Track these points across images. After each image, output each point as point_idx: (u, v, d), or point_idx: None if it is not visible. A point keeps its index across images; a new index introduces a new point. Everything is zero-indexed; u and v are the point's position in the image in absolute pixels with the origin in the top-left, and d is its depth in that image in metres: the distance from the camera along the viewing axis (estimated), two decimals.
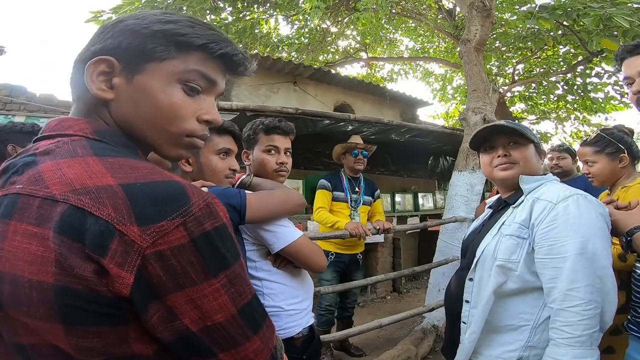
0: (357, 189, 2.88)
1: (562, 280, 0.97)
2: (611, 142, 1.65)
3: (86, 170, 0.44)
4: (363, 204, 2.88)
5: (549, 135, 9.44)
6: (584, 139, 1.82)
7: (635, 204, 1.08)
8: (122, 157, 0.48)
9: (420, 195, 6.25)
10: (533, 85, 7.71)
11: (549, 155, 3.16)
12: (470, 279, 1.17)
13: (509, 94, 8.39)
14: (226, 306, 0.47)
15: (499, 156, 1.19)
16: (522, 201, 1.13)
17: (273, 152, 1.38)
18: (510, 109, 8.91)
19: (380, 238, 4.26)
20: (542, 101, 8.33)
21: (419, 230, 4.89)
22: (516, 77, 7.60)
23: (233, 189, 1.21)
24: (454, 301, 1.24)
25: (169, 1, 5.47)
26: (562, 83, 7.00)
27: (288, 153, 1.42)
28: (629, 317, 1.16)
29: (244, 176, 1.37)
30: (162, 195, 0.44)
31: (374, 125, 3.47)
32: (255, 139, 1.41)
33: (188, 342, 0.46)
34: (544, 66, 7.00)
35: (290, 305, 1.25)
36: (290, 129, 1.42)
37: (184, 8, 5.66)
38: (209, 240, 0.46)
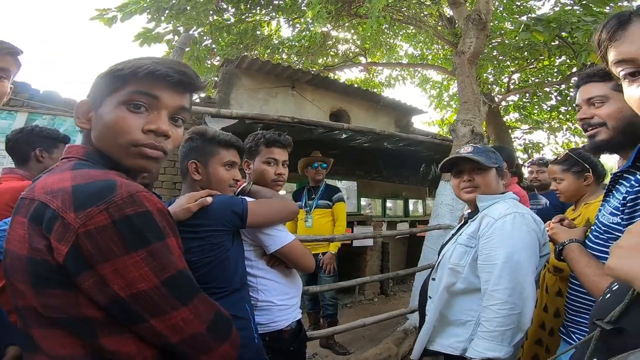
0: (313, 196, 3.42)
1: (489, 282, 1.21)
2: (578, 161, 1.82)
3: (59, 179, 0.64)
4: (316, 207, 3.38)
5: (541, 145, 9.67)
6: (555, 157, 2.04)
7: (568, 224, 1.28)
8: (89, 169, 0.67)
9: (410, 201, 6.54)
10: (527, 94, 8.01)
11: (529, 169, 3.41)
12: (433, 279, 1.43)
13: (503, 103, 8.68)
14: (148, 277, 0.61)
15: (464, 180, 1.45)
16: (476, 216, 1.38)
17: (272, 163, 1.55)
18: (505, 118, 9.21)
19: (369, 242, 4.55)
20: (536, 111, 8.62)
21: (408, 235, 5.17)
22: (511, 87, 7.87)
23: (236, 197, 1.36)
24: (422, 296, 1.50)
25: (173, 1, 5.63)
26: (555, 94, 7.30)
27: (285, 165, 1.61)
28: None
29: (244, 184, 1.52)
30: (95, 189, 0.61)
31: (365, 134, 3.74)
32: (256, 151, 1.57)
33: (120, 306, 0.60)
34: (539, 76, 7.23)
35: (282, 300, 1.41)
36: (288, 143, 1.61)
37: (188, 8, 5.84)
38: (129, 222, 0.60)
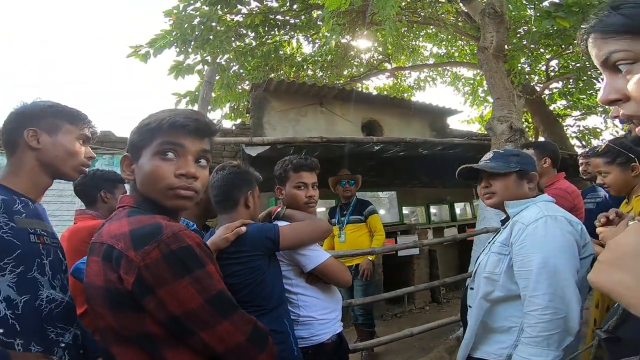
0: (345, 212, 3.66)
1: (528, 289, 1.23)
2: (621, 152, 1.76)
3: (118, 226, 0.82)
4: (348, 222, 3.61)
5: (598, 130, 9.26)
6: (596, 149, 1.98)
7: (618, 221, 1.24)
8: (140, 215, 0.84)
9: (457, 205, 6.43)
10: (571, 80, 7.71)
11: (580, 161, 3.30)
12: (471, 288, 1.47)
13: (546, 92, 8.41)
14: (195, 297, 0.76)
15: (483, 187, 1.50)
16: (507, 223, 1.41)
17: (302, 187, 1.67)
18: (551, 107, 8.90)
19: (415, 250, 4.58)
20: (585, 96, 8.29)
21: (452, 241, 5.13)
22: (551, 74, 7.65)
23: (269, 224, 1.52)
24: (463, 305, 1.55)
25: (196, 33, 6.10)
26: (601, 77, 6.98)
27: (315, 187, 1.72)
28: None
29: (278, 209, 1.68)
30: (146, 232, 0.78)
31: (397, 144, 3.83)
32: (286, 177, 1.69)
33: (176, 322, 0.76)
34: (580, 60, 6.97)
35: (322, 315, 1.54)
36: (315, 166, 1.71)
37: (211, 37, 6.28)
38: (175, 255, 0.76)
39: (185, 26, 5.98)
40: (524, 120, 7.64)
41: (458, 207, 6.43)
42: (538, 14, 5.38)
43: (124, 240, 0.77)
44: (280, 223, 1.54)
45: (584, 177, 3.17)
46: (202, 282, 0.78)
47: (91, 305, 0.84)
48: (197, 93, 6.49)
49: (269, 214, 1.69)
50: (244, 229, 1.37)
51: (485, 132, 4.56)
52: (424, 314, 4.77)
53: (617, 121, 8.74)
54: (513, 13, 6.56)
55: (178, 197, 0.88)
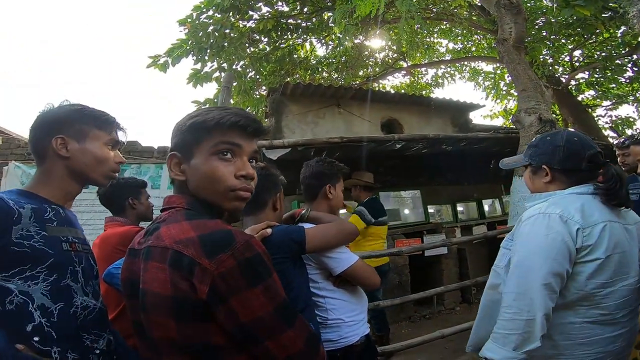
0: None
1: (504, 285, 1.25)
2: None
3: (181, 229, 0.79)
4: None
5: (631, 120, 9.01)
6: (635, 137, 1.90)
7: None
8: (200, 219, 0.82)
9: (485, 202, 6.29)
10: (598, 70, 7.53)
11: (617, 152, 3.19)
12: None
13: (572, 82, 8.23)
14: (265, 306, 0.75)
15: None
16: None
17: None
18: (580, 98, 8.70)
19: (443, 250, 4.52)
20: (614, 85, 8.08)
21: (482, 239, 5.04)
22: (576, 64, 7.50)
23: (294, 226, 1.51)
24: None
25: (211, 41, 6.24)
26: (630, 65, 6.82)
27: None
28: None
29: (302, 211, 1.66)
30: (218, 239, 0.76)
31: (419, 141, 3.80)
32: (335, 177, 1.78)
33: (244, 331, 0.75)
34: (605, 50, 6.84)
35: (350, 317, 1.54)
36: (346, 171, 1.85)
37: (225, 44, 6.43)
38: (249, 264, 0.75)
39: (200, 34, 6.14)
40: (552, 112, 7.50)
41: (486, 204, 6.30)
42: (556, 4, 5.31)
43: (193, 247, 0.75)
44: (306, 225, 1.53)
45: (623, 169, 3.06)
46: (271, 290, 0.78)
47: (148, 314, 0.80)
48: (215, 100, 6.62)
49: (293, 216, 1.68)
50: (269, 230, 1.36)
51: (512, 126, 4.48)
52: (454, 314, 4.69)
53: None
54: (529, 4, 6.48)
55: (237, 198, 0.88)
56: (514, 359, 1.14)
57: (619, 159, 3.00)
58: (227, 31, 6.32)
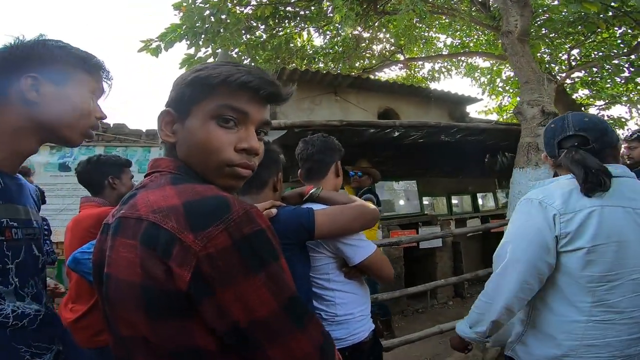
0: None
1: None
2: None
3: (162, 195, 0.60)
4: None
5: (623, 120, 9.08)
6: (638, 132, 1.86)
7: None
8: (189, 183, 0.64)
9: (479, 195, 6.32)
10: (595, 69, 7.58)
11: (623, 147, 3.13)
12: None
13: (568, 81, 8.27)
14: (268, 302, 0.56)
15: None
16: None
17: None
18: (574, 97, 8.74)
19: (437, 242, 4.47)
20: (609, 85, 8.12)
21: (480, 232, 5.01)
22: (573, 63, 7.51)
23: (302, 208, 1.32)
24: None
25: (207, 26, 6.09)
26: (627, 65, 6.85)
27: None
28: None
29: (313, 189, 1.44)
30: (209, 207, 0.57)
31: (419, 128, 3.72)
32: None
33: (238, 334, 0.56)
34: (603, 49, 6.88)
35: (360, 311, 1.40)
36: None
37: (221, 30, 6.28)
38: (249, 243, 0.56)
39: (195, 19, 5.96)
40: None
41: (480, 198, 6.30)
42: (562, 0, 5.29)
43: (175, 217, 0.56)
44: (315, 206, 1.34)
45: (628, 162, 3.02)
46: (277, 281, 0.58)
47: (114, 307, 0.62)
48: None
49: (301, 194, 1.46)
50: (274, 211, 1.21)
51: (508, 121, 4.44)
52: (447, 309, 4.66)
53: None
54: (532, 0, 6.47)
55: (234, 176, 0.70)
56: (467, 335, 1.25)
57: (624, 152, 2.96)
58: (224, 17, 6.16)
